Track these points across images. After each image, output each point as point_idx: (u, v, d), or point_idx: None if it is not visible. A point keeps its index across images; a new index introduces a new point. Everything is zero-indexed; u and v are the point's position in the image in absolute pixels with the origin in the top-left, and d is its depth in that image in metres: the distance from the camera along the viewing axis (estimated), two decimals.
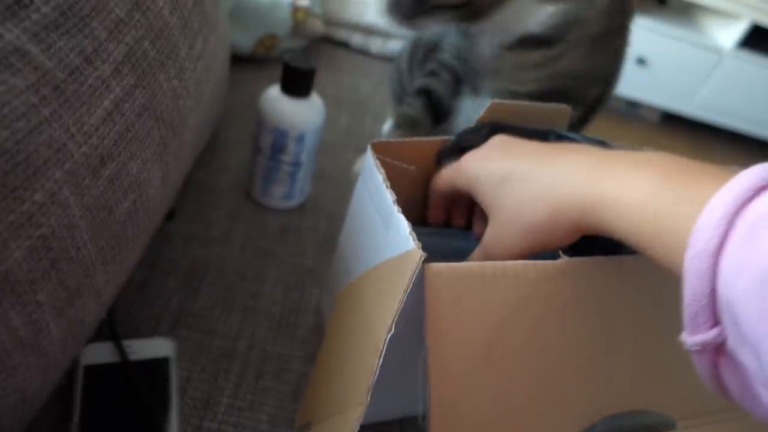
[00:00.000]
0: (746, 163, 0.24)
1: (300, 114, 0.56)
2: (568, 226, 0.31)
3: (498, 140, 0.37)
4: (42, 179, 0.24)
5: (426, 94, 0.59)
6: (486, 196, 0.35)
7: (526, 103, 0.44)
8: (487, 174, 0.35)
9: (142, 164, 0.31)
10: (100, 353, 0.43)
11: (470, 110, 0.57)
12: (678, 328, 0.26)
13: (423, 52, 0.64)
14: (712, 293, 0.22)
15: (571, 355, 0.34)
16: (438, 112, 0.60)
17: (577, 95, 0.53)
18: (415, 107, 0.59)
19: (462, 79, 0.58)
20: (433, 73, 0.60)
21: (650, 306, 0.36)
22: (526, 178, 0.33)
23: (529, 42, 0.50)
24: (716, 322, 0.23)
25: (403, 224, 0.32)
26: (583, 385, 0.35)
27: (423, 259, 0.29)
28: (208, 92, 0.45)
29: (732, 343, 0.23)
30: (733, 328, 0.22)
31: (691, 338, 0.24)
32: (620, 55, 0.55)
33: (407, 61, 0.67)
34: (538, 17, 0.48)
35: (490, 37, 0.52)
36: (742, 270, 0.21)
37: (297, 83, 0.54)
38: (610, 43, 0.53)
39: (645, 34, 2.08)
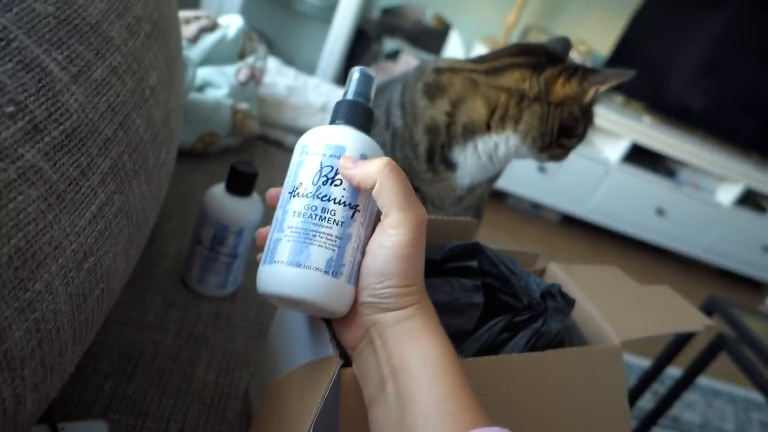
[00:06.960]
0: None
1: (241, 211, 0.62)
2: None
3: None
4: (42, 272, 0.28)
5: None
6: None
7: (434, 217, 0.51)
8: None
9: (112, 258, 0.36)
10: None
11: None
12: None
13: None
14: None
15: None
16: None
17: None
18: None
19: None
20: None
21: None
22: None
23: None
24: None
25: (326, 331, 0.37)
26: None
27: (339, 366, 0.34)
28: (164, 191, 0.51)
29: None
30: None
31: None
32: None
33: None
34: None
35: None
36: None
37: (241, 184, 0.61)
38: None
39: None
